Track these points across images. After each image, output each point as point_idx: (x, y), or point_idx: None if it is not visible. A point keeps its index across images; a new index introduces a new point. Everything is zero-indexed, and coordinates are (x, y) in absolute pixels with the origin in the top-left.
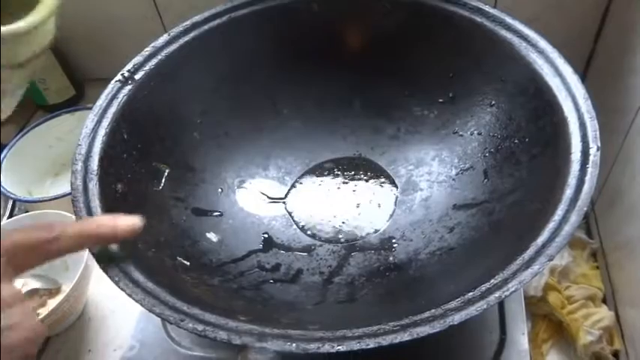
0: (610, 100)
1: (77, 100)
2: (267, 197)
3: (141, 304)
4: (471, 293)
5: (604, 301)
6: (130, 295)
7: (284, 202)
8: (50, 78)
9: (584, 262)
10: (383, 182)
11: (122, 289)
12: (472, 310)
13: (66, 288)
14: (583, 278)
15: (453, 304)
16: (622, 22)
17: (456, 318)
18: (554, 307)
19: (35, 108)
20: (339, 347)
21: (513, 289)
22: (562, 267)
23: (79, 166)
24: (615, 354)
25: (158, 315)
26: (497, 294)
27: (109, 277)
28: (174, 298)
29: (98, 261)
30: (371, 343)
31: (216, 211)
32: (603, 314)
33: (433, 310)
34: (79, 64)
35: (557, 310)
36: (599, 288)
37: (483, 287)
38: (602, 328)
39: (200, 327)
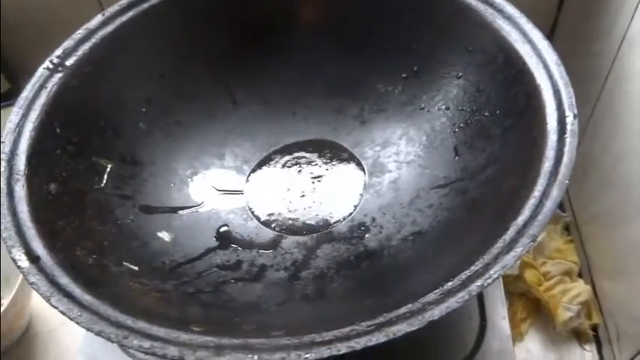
0: (577, 67)
1: (13, 94)
2: (224, 189)
3: (77, 323)
4: (450, 283)
5: (580, 275)
6: (63, 313)
7: (242, 193)
8: None
9: (558, 236)
10: (349, 165)
11: (55, 307)
12: (453, 303)
13: (6, 302)
14: (558, 253)
15: (431, 296)
16: None
17: (436, 312)
18: (531, 285)
19: None
20: (307, 355)
21: (496, 275)
22: (536, 243)
23: (3, 166)
24: (594, 328)
25: (97, 333)
26: (478, 282)
27: (40, 293)
28: (117, 311)
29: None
30: (343, 348)
31: (167, 208)
32: (580, 289)
33: (410, 305)
34: (14, 54)
35: (534, 288)
36: (574, 262)
37: (463, 275)
38: (580, 303)
39: (147, 344)
